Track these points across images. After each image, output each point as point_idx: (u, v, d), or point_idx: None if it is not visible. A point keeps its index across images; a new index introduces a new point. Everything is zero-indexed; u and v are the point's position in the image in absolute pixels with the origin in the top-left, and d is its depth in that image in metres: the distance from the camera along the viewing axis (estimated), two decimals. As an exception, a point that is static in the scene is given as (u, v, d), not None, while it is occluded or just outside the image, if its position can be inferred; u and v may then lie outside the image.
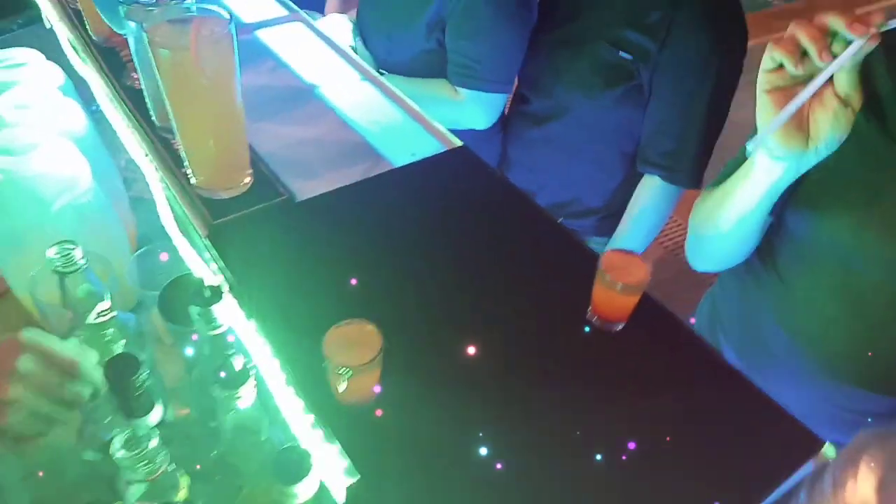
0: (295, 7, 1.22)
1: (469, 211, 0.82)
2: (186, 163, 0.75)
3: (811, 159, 0.66)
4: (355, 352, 0.54)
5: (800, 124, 0.64)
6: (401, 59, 1.40)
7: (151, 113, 0.82)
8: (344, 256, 0.73)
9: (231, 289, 0.68)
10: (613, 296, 0.66)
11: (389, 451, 0.57)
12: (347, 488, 0.56)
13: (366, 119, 0.96)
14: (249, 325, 0.67)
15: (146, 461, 0.54)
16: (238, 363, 0.62)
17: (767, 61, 0.63)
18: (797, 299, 0.83)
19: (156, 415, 0.63)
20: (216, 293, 0.67)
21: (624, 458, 0.57)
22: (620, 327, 0.68)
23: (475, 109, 1.35)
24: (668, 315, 0.70)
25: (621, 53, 1.22)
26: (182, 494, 0.61)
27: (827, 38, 0.58)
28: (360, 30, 1.46)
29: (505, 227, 0.80)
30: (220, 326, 0.69)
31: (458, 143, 0.92)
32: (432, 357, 0.64)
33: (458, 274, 0.73)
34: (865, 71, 0.63)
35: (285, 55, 1.09)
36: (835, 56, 0.58)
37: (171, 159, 0.79)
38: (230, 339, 0.71)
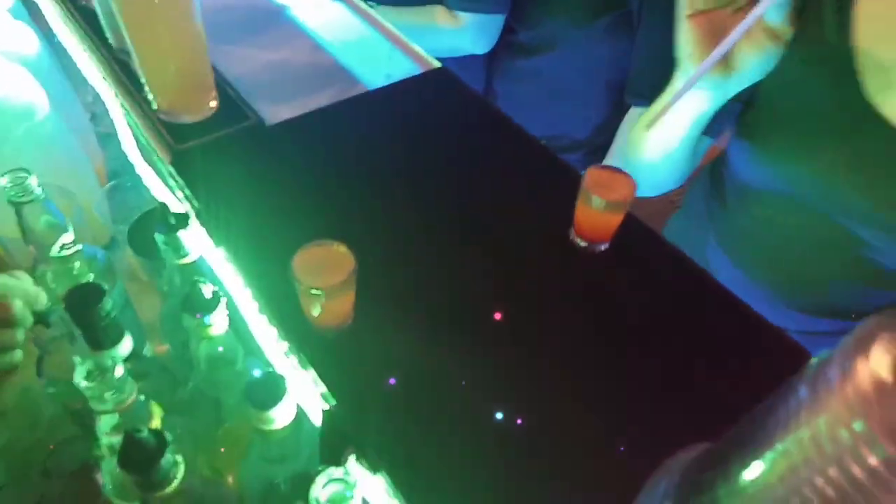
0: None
1: (448, 132, 0.78)
2: (146, 86, 0.70)
3: (734, 87, 0.63)
4: (326, 273, 0.51)
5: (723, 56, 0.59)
6: None
7: (107, 33, 0.77)
8: (315, 182, 0.70)
9: (198, 215, 0.65)
10: (596, 214, 0.63)
11: (366, 374, 0.55)
12: (324, 412, 0.55)
13: (339, 41, 0.91)
14: (218, 252, 0.64)
15: (113, 390, 0.53)
16: (207, 290, 0.60)
17: None
18: (742, 229, 0.82)
19: (125, 346, 0.61)
20: (182, 220, 0.64)
21: (611, 379, 0.56)
22: (604, 247, 0.66)
23: (477, 33, 1.32)
24: (650, 233, 0.68)
25: None
26: (156, 423, 0.60)
27: None
28: None
29: (485, 148, 0.77)
30: (188, 254, 0.67)
31: (437, 63, 0.88)
32: (410, 280, 0.62)
33: (437, 196, 0.70)
34: (816, 18, 0.58)
35: (252, -25, 1.02)
36: None
37: (130, 83, 0.75)
38: (201, 268, 0.69)
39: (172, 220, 0.63)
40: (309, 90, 0.82)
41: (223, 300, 0.60)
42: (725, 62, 0.60)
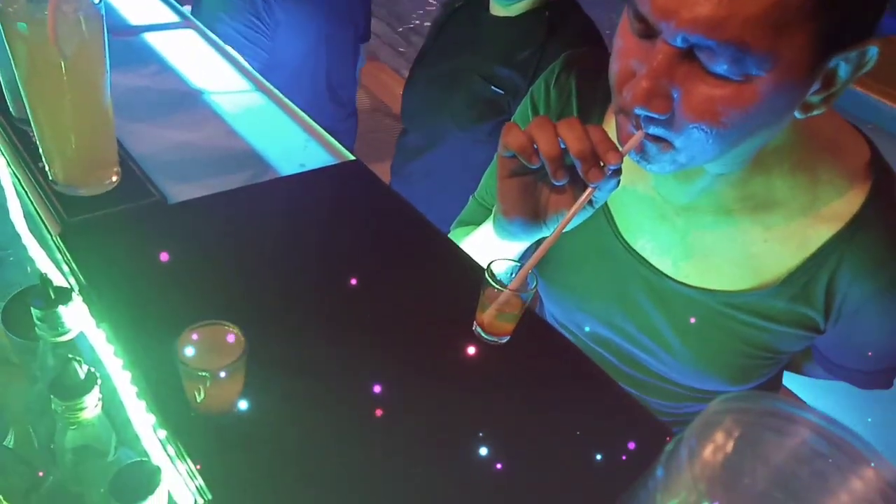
0: (187, 14, 1.17)
1: (356, 222, 0.79)
2: (42, 154, 0.68)
3: (544, 234, 0.69)
4: (213, 355, 0.49)
5: (535, 214, 0.65)
6: None
7: (8, 102, 0.75)
8: (213, 264, 0.68)
9: (81, 291, 0.62)
10: (496, 308, 0.64)
11: (247, 467, 0.52)
12: (198, 509, 0.51)
13: (255, 128, 0.92)
14: (99, 332, 0.60)
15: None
16: (81, 371, 0.55)
17: (502, 149, 0.61)
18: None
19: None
20: (63, 294, 0.60)
21: (500, 465, 0.55)
22: (505, 340, 0.67)
23: None
24: (548, 328, 0.70)
25: (493, 88, 1.26)
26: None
27: (561, 157, 0.58)
28: None
29: (391, 239, 0.78)
30: (66, 332, 0.62)
31: (351, 157, 0.90)
32: (303, 368, 0.60)
33: (339, 284, 0.69)
34: None
35: (173, 59, 1.03)
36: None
37: (25, 151, 0.72)
38: (79, 348, 0.64)
39: (53, 295, 0.59)
40: (219, 173, 0.81)
41: (98, 382, 0.56)
42: (539, 218, 0.67)
